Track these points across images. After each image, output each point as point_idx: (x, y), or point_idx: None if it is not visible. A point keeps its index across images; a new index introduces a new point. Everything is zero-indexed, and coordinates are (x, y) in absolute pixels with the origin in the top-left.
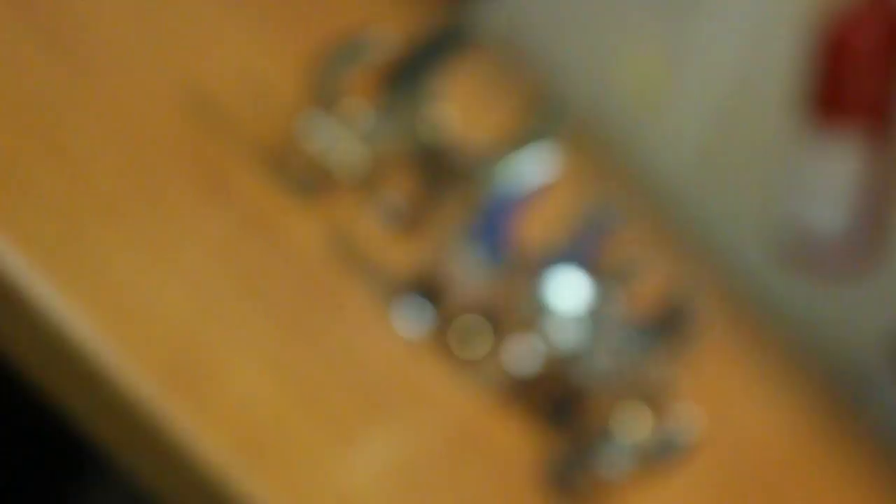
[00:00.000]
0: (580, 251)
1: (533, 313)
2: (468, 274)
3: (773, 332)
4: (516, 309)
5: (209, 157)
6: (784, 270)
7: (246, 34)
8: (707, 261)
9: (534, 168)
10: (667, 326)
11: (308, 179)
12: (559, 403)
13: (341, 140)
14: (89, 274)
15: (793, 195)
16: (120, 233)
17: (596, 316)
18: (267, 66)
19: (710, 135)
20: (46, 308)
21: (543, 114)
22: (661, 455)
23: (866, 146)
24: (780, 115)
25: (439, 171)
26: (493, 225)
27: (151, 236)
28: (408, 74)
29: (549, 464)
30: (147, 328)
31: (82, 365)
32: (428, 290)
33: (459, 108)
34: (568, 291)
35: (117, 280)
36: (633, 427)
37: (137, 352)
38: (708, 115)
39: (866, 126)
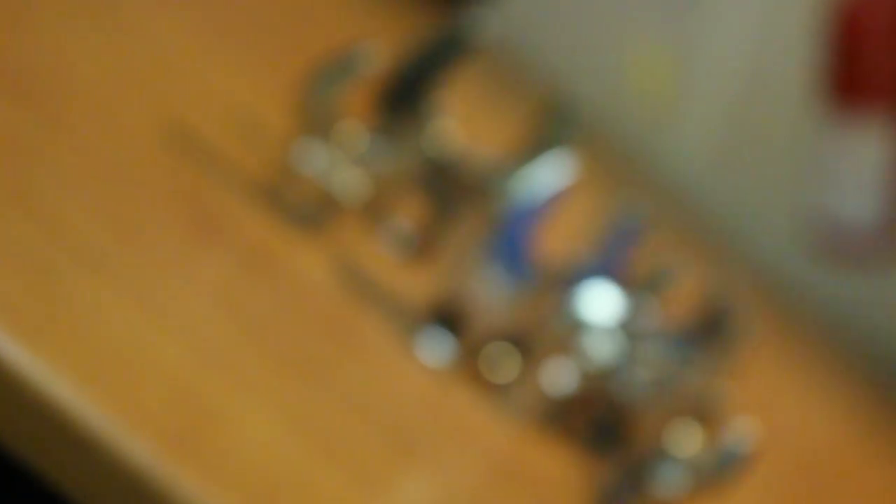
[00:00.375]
0: (608, 262)
1: (565, 331)
2: (491, 295)
3: (811, 328)
4: (547, 328)
5: (198, 197)
6: (816, 263)
7: (226, 67)
8: (736, 261)
9: (550, 177)
10: (708, 334)
11: (308, 211)
12: (602, 425)
13: (340, 166)
14: (71, 332)
15: (818, 185)
16: (103, 285)
17: (631, 329)
18: (252, 98)
19: (727, 130)
20: (24, 375)
21: (556, 119)
22: (717, 471)
23: (889, 128)
24: (797, 103)
25: (450, 189)
26: (512, 241)
27: (139, 286)
28: (406, 89)
29: (599, 489)
30: (141, 386)
31: (70, 434)
32: (450, 317)
33: (463, 122)
34: (599, 305)
35: (103, 337)
36: (684, 443)
37: (132, 414)
38: (724, 109)
39: (887, 108)
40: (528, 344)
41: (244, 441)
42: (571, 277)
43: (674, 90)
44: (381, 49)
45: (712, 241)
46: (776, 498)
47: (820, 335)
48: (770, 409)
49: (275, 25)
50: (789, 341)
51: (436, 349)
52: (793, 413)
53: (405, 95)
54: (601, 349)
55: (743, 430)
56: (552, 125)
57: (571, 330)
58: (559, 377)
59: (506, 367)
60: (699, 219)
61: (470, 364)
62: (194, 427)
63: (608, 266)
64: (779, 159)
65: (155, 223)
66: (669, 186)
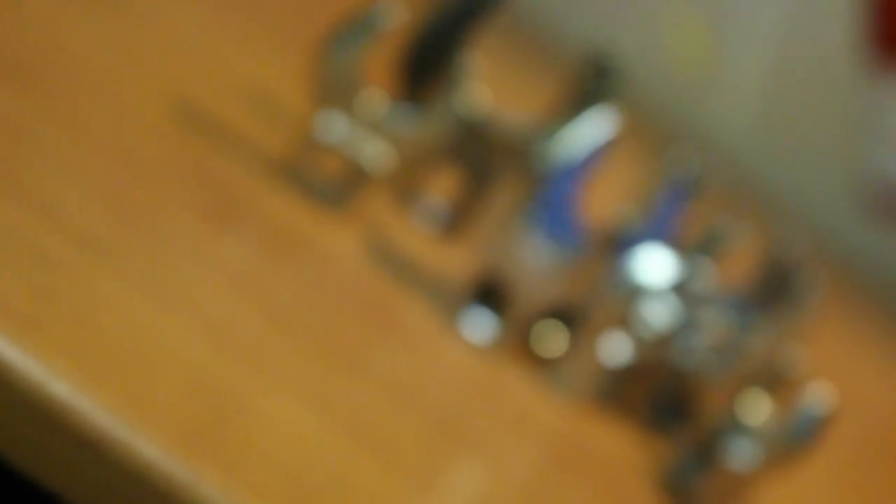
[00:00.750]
0: (659, 223)
1: (619, 299)
2: (536, 265)
3: (866, 288)
4: (599, 297)
5: (213, 178)
6: (869, 222)
7: (235, 41)
8: (786, 222)
9: (593, 133)
10: (771, 295)
11: (333, 187)
12: (663, 398)
13: (364, 137)
14: (71, 326)
15: (866, 143)
16: (108, 274)
17: (689, 294)
18: (265, 71)
19: (768, 91)
20: (19, 372)
21: (596, 72)
22: (791, 440)
23: None
24: (839, 59)
25: (485, 153)
26: (556, 205)
27: (149, 273)
28: (430, 52)
29: (665, 467)
30: (151, 380)
31: (72, 434)
32: (493, 292)
33: (495, 89)
34: (653, 270)
35: (108, 329)
36: (753, 413)
37: (142, 410)
38: (764, 70)
39: None
40: (578, 315)
41: (274, 435)
42: (622, 242)
43: (711, 52)
44: (401, 7)
45: (760, 203)
46: (845, 465)
47: (874, 295)
48: (836, 373)
49: None
50: (847, 302)
51: (480, 328)
52: (856, 377)
53: (430, 58)
54: (658, 317)
55: (816, 395)
56: (593, 79)
57: (625, 297)
58: (614, 349)
59: (556, 341)
60: (745, 182)
61: (517, 341)
62: (216, 422)
63: (660, 228)
64: (823, 118)
65: (167, 207)
66: (712, 151)
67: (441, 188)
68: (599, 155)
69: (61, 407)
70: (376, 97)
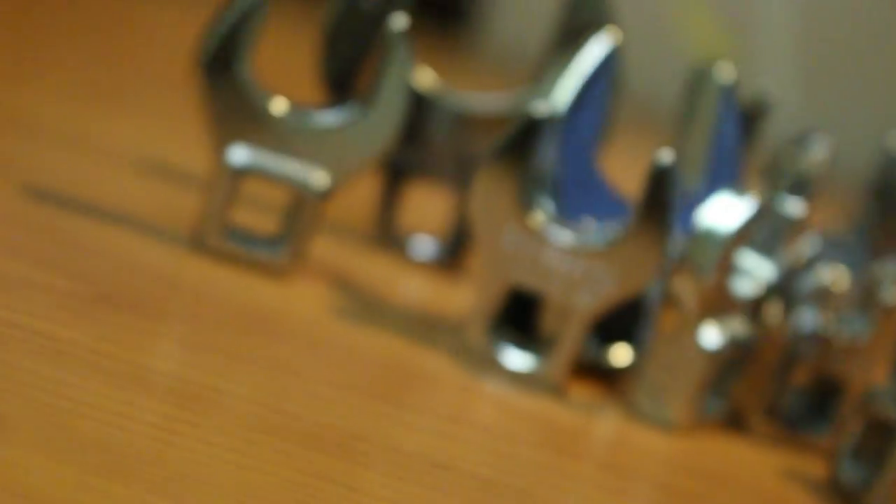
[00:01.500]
0: (721, 159)
1: (699, 277)
2: (568, 260)
3: None
4: (670, 279)
5: (104, 273)
6: None
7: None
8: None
9: (596, 66)
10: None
11: (274, 238)
12: (794, 386)
13: (287, 165)
14: None
15: None
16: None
17: (784, 251)
18: (149, 142)
19: (806, 51)
20: None
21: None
22: None
23: None
24: (877, 20)
25: (470, 135)
26: (579, 175)
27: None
28: (354, 35)
29: (827, 465)
30: None
31: None
32: (526, 309)
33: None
34: (729, 223)
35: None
36: None
37: None
38: (793, 53)
39: None
40: (645, 311)
41: None
42: (679, 197)
43: (733, 45)
44: None
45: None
46: None
47: None
48: None
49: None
50: None
51: (520, 360)
52: None
53: (355, 47)
54: (750, 287)
55: None
56: (582, 9)
57: (703, 272)
58: (710, 342)
59: (625, 351)
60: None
61: (573, 365)
62: None
63: (723, 170)
64: (863, 67)
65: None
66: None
67: (430, 218)
68: (608, 91)
69: None
70: (296, 108)
